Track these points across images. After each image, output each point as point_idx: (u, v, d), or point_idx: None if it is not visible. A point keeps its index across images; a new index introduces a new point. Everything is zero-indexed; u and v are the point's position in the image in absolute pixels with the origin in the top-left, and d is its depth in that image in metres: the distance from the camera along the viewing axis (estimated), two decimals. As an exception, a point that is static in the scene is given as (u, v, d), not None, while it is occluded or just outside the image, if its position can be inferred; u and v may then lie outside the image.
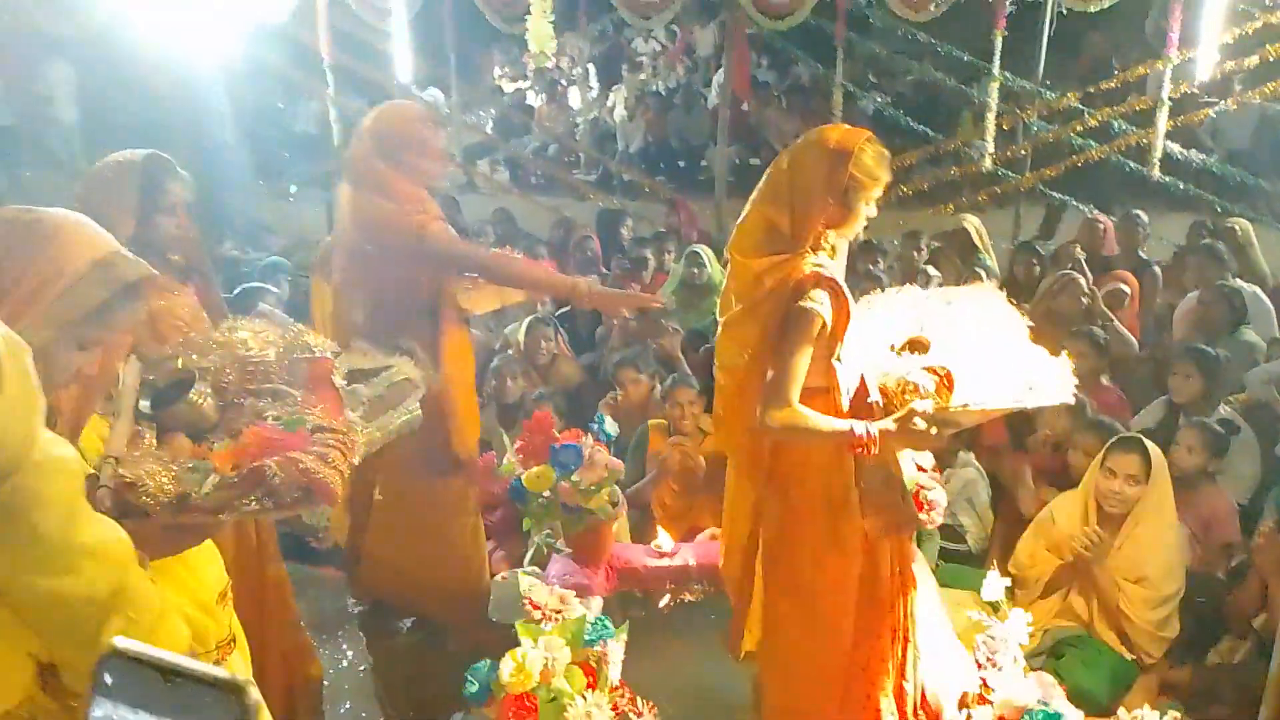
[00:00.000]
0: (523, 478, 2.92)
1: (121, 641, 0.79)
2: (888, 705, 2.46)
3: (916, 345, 2.43)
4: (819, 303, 2.21)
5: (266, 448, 1.67)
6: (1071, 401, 2.40)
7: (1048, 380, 2.33)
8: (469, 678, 2.04)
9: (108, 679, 0.76)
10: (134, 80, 7.82)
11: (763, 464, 2.36)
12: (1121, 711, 2.19)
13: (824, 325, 2.22)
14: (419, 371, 2.24)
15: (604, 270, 6.23)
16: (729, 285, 2.40)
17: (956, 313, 2.45)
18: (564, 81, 11.99)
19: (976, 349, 2.39)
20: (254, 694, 0.75)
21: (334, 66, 7.62)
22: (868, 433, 2.17)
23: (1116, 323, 5.05)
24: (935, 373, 2.30)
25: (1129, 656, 3.16)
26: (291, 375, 1.90)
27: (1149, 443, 3.21)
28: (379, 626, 3.02)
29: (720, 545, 2.70)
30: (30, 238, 1.38)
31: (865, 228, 7.06)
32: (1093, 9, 6.47)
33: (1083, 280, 5.14)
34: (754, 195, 2.34)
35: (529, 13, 6.54)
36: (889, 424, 2.21)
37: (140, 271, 1.45)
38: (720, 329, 2.44)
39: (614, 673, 2.22)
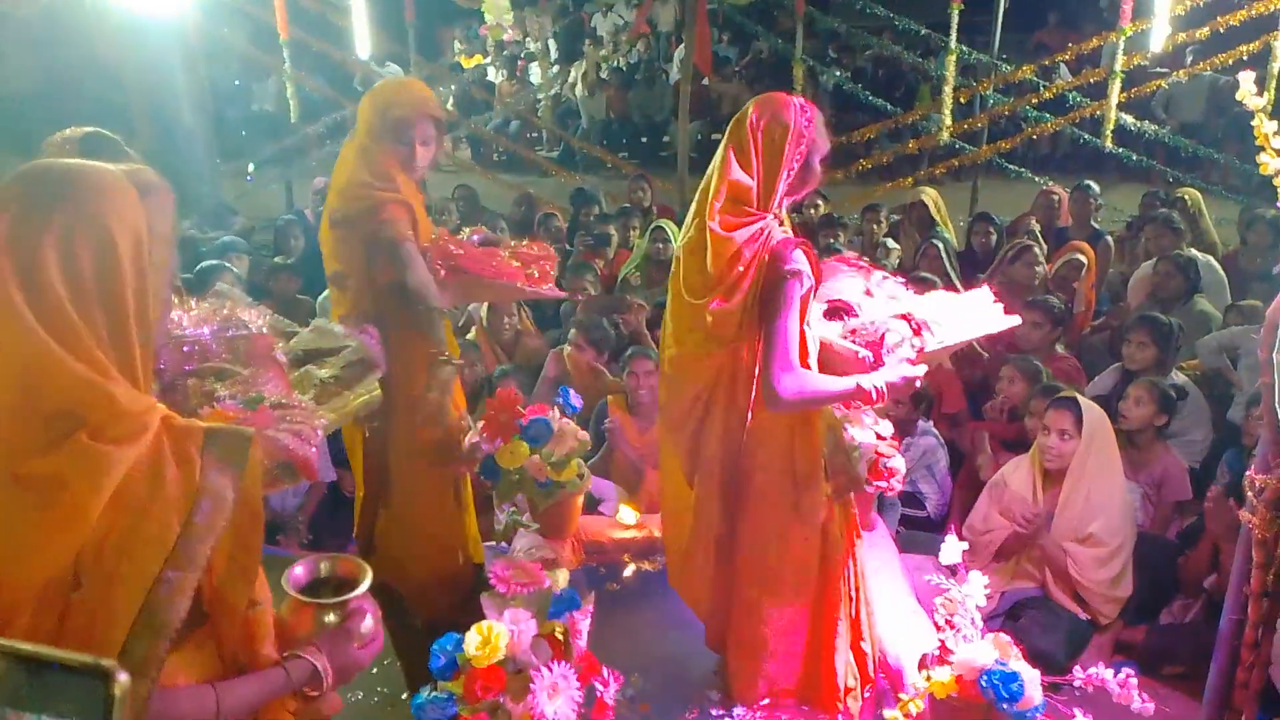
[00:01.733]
0: (496, 454, 2.92)
1: None
2: (848, 666, 2.51)
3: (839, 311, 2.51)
4: (803, 264, 2.23)
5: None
6: (1009, 325, 2.63)
7: (990, 314, 2.61)
8: (435, 652, 2.05)
9: None
10: (93, 61, 7.68)
11: (723, 465, 2.42)
12: (1077, 670, 2.25)
13: (811, 287, 2.25)
14: (374, 351, 2.23)
15: (568, 247, 6.23)
16: (679, 311, 2.39)
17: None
18: (524, 58, 11.90)
19: (925, 301, 2.56)
20: (122, 679, 0.75)
21: (291, 43, 7.51)
22: (875, 386, 2.26)
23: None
24: (907, 319, 2.37)
25: (1084, 617, 3.24)
26: (232, 353, 1.88)
27: (1083, 399, 3.30)
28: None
29: (670, 562, 2.68)
30: (92, 198, 1.23)
31: (825, 200, 7.11)
32: (1048, -20, 6.53)
33: (1036, 248, 5.23)
34: (718, 164, 2.32)
35: (487, -13, 6.47)
36: (890, 373, 2.29)
37: (155, 176, 1.37)
38: (676, 359, 2.44)
39: (581, 644, 2.24)
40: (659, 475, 2.56)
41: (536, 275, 2.95)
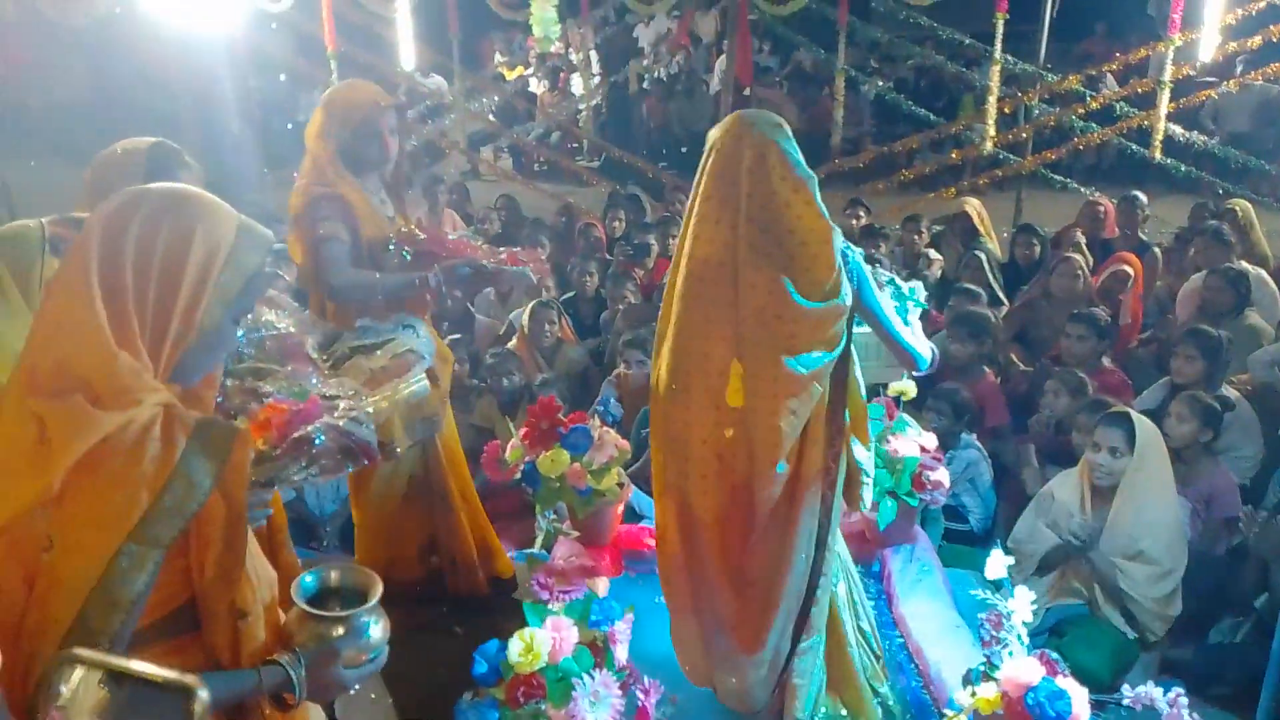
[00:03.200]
0: (537, 462, 2.94)
1: (78, 649, 0.80)
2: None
3: None
4: None
5: (294, 419, 1.70)
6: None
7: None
8: (477, 658, 2.07)
9: (63, 688, 0.77)
10: (143, 70, 7.85)
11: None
12: (1125, 688, 2.21)
13: None
14: (423, 343, 2.26)
15: (607, 256, 6.25)
16: (758, 340, 2.22)
17: None
18: (565, 69, 11.97)
19: None
20: (203, 696, 0.77)
21: (338, 55, 7.62)
22: None
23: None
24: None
25: (1131, 635, 3.18)
26: (264, 353, 1.93)
27: (1137, 416, 3.24)
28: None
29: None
30: (181, 214, 1.39)
31: (867, 211, 7.06)
32: (1095, -10, 6.45)
33: (1078, 260, 5.16)
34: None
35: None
36: None
37: (268, 236, 1.48)
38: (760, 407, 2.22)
39: (621, 653, 2.25)
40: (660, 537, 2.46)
41: (504, 256, 2.97)
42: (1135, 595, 3.15)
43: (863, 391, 2.45)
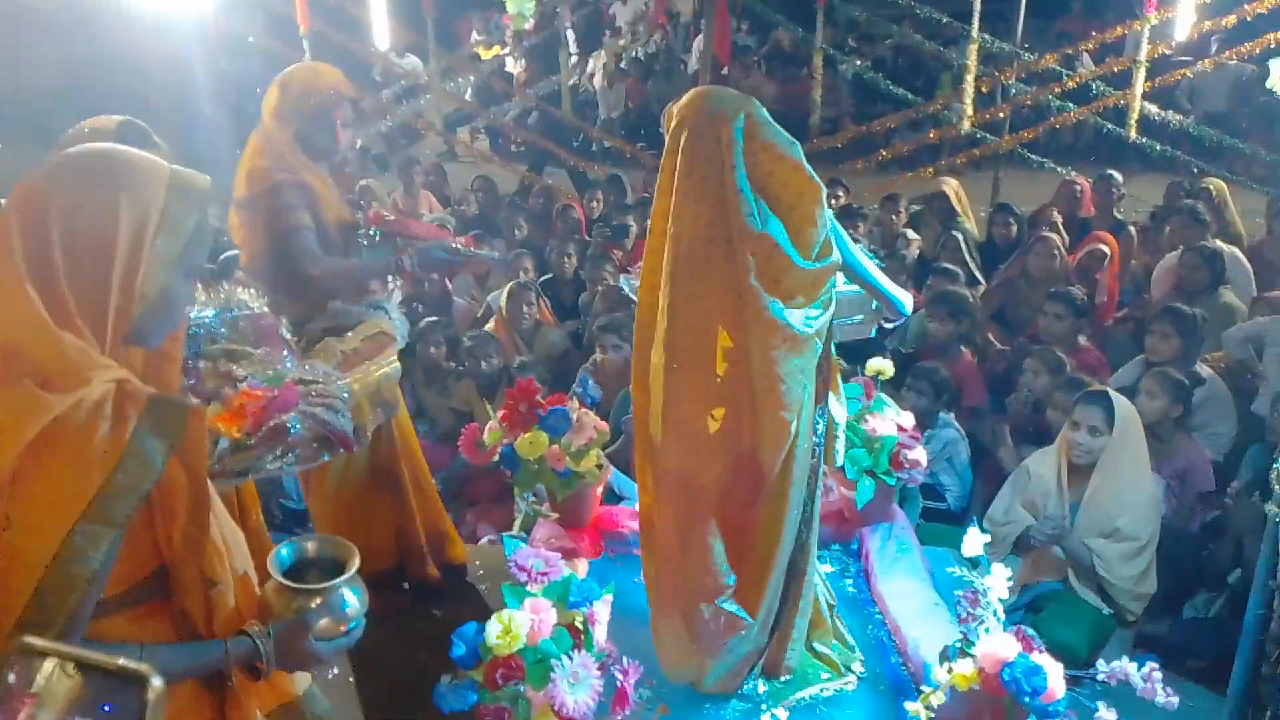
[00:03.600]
0: (515, 444, 2.93)
1: (30, 638, 0.80)
2: None
3: None
4: None
5: (269, 407, 1.68)
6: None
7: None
8: (455, 640, 2.06)
9: (11, 678, 0.77)
10: (115, 53, 7.72)
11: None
12: (1100, 663, 2.23)
13: None
14: (394, 325, 2.25)
15: (586, 237, 6.22)
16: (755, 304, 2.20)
17: None
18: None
19: None
20: (156, 684, 0.76)
21: (311, 35, 7.52)
22: None
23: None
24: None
25: (1107, 611, 3.21)
26: (236, 334, 1.90)
27: (1116, 395, 3.25)
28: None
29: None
30: (103, 181, 1.32)
31: (846, 191, 7.06)
32: (1072, -32, 6.44)
33: (1054, 239, 5.20)
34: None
35: (506, -22, 6.47)
36: None
37: (203, 184, 1.42)
38: (778, 367, 2.22)
39: (600, 634, 2.25)
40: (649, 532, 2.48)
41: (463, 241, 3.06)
42: (1110, 576, 3.17)
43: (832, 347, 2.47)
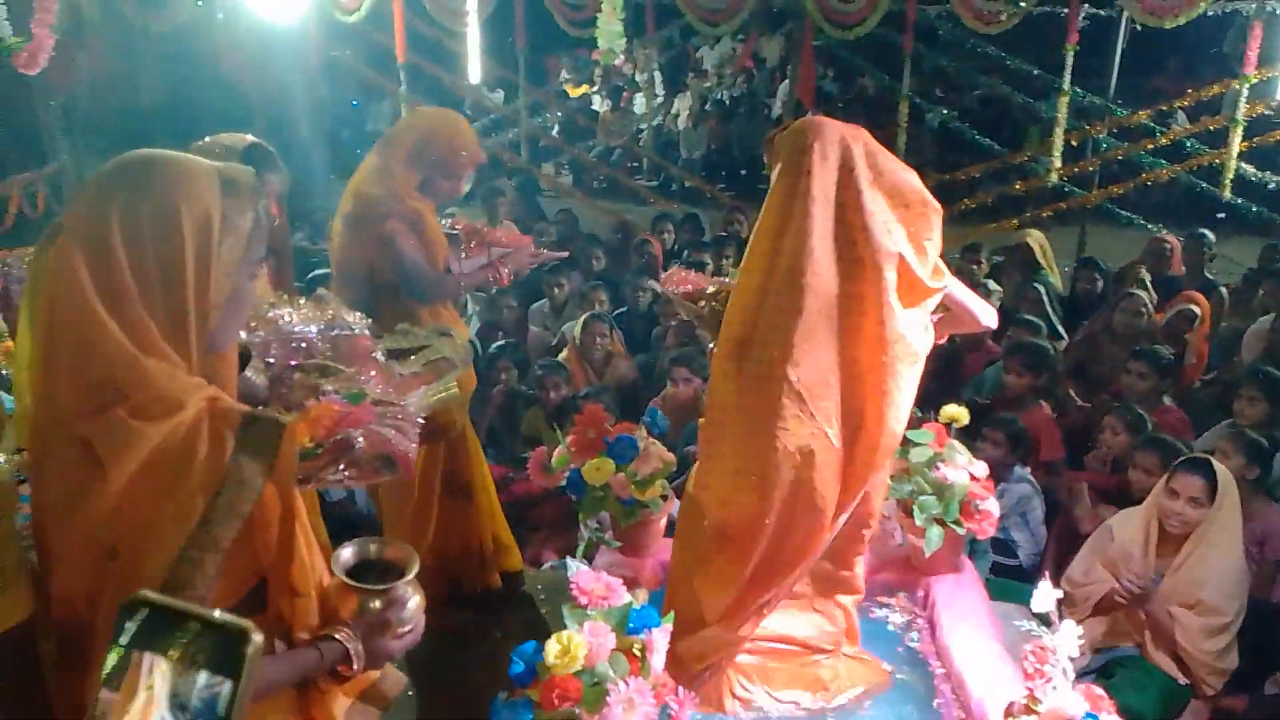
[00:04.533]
0: (582, 470, 2.95)
1: (141, 592, 0.83)
2: None
3: None
4: None
5: (341, 420, 1.72)
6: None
7: None
8: (514, 658, 2.07)
9: (128, 626, 0.80)
10: (219, 76, 8.07)
11: None
12: (1173, 733, 2.15)
13: None
14: (458, 351, 2.30)
15: (662, 274, 6.25)
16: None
17: None
18: (628, 88, 12.08)
19: None
20: (256, 638, 0.78)
21: (407, 66, 7.77)
22: None
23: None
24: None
25: (1183, 681, 3.09)
26: (335, 351, 1.96)
27: (1218, 465, 3.13)
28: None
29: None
30: (159, 195, 1.28)
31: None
32: (1168, 25, 6.35)
33: (1142, 296, 5.06)
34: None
35: (598, 15, 6.62)
36: None
37: (250, 177, 1.40)
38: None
39: (657, 662, 2.24)
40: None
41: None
42: (1190, 647, 3.05)
43: None
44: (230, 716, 0.75)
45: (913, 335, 2.25)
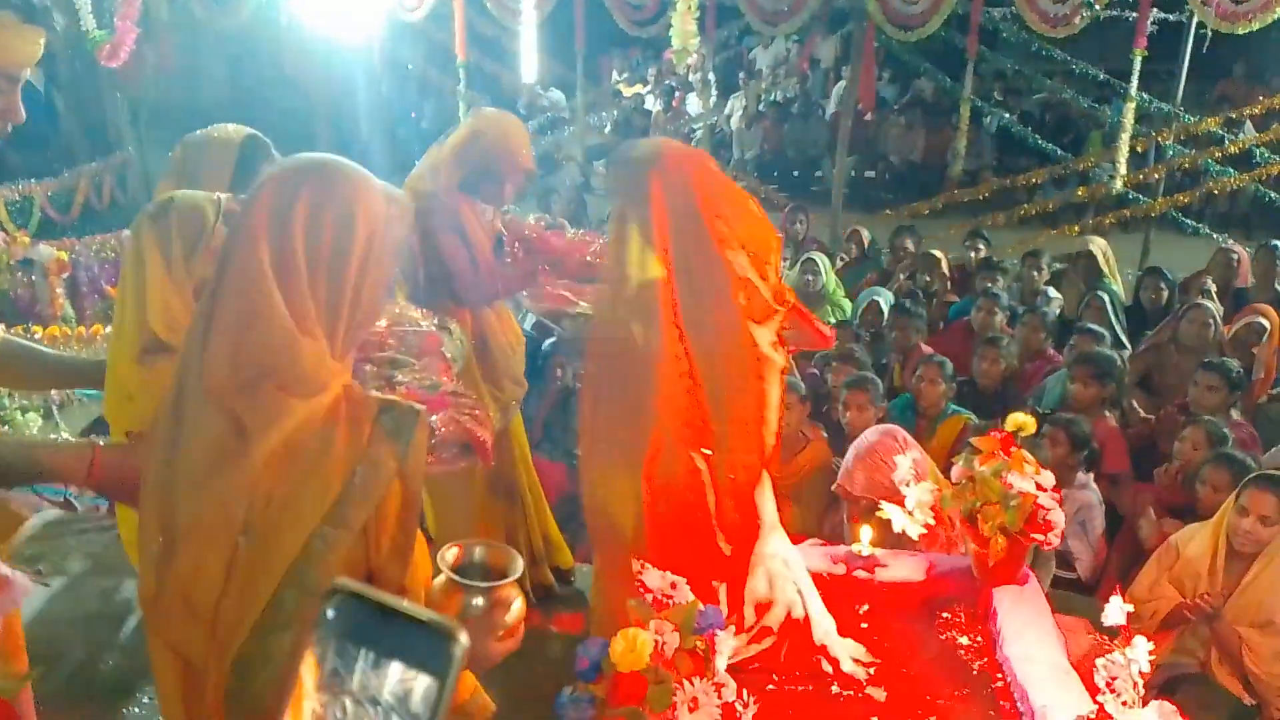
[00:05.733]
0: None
1: (343, 580, 0.85)
2: None
3: None
4: None
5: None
6: None
7: None
8: (580, 652, 2.08)
9: (330, 613, 0.81)
10: (280, 73, 8.21)
11: None
12: (1242, 754, 2.10)
13: None
14: (452, 346, 2.33)
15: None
16: None
17: None
18: (680, 88, 12.07)
19: None
20: (463, 639, 0.79)
21: (467, 65, 7.83)
22: None
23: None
24: None
25: (1249, 701, 3.02)
26: (404, 346, 2.00)
27: None
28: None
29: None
30: (347, 190, 1.36)
31: (987, 244, 6.92)
32: (1240, 30, 6.21)
33: (1209, 306, 4.95)
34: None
35: (659, 16, 6.62)
36: None
37: (404, 197, 1.51)
38: None
39: (721, 663, 2.23)
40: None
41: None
42: (1257, 669, 2.99)
43: None
44: (437, 716, 0.75)
45: (764, 351, 2.37)
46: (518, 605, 1.49)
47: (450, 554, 1.50)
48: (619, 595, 2.41)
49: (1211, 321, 4.93)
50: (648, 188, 2.28)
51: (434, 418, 1.83)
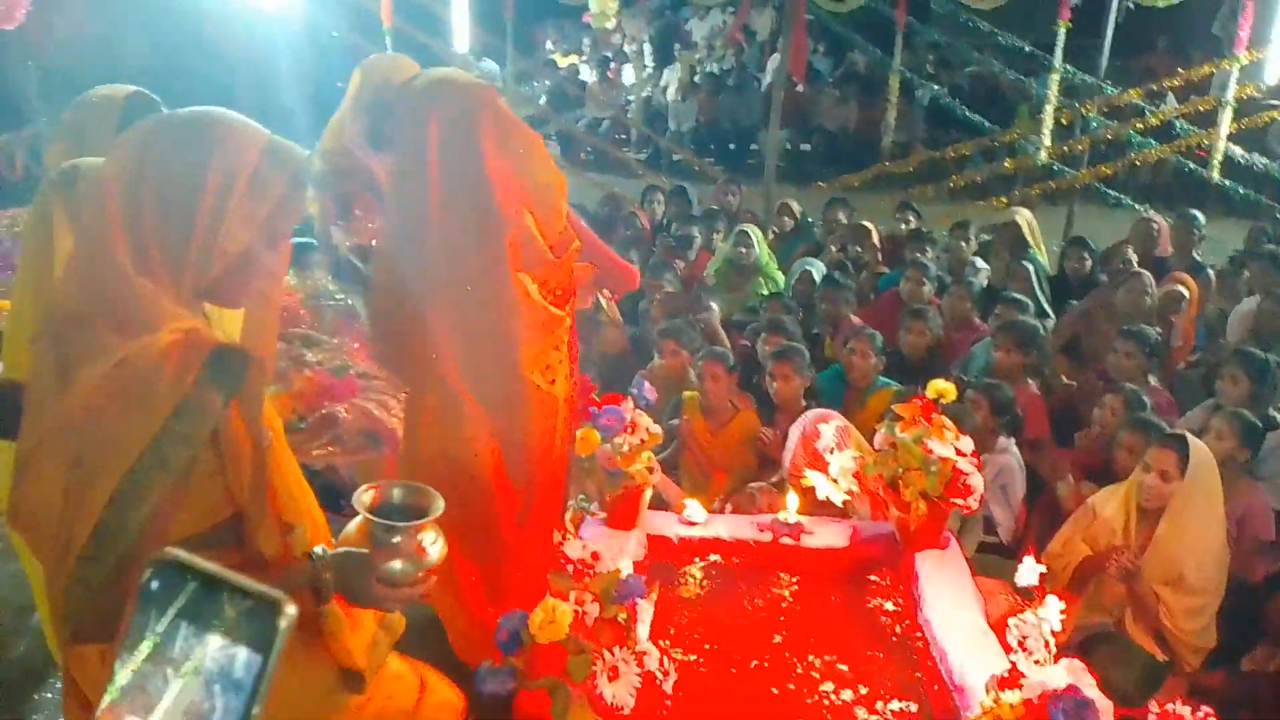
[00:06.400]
0: (569, 442, 2.94)
1: (171, 550, 0.82)
2: None
3: None
4: None
5: (325, 394, 1.70)
6: None
7: None
8: (500, 625, 2.06)
9: (153, 585, 0.78)
10: (201, 41, 7.96)
11: None
12: (1152, 706, 2.16)
13: None
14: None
15: (651, 247, 6.24)
16: None
17: None
18: (616, 59, 11.98)
19: None
20: (290, 610, 0.77)
21: (393, 32, 7.67)
22: None
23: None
24: None
25: (1161, 656, 3.12)
26: (319, 322, 1.94)
27: (1194, 440, 3.16)
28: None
29: None
30: (199, 139, 1.37)
31: (917, 215, 7.00)
32: (1161, 4, 6.34)
33: (1147, 276, 5.04)
34: None
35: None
36: None
37: (299, 156, 1.46)
38: None
39: (642, 632, 2.24)
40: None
41: None
42: (1172, 626, 3.09)
43: None
44: (259, 690, 0.72)
45: (534, 299, 2.31)
46: (439, 545, 1.47)
47: (367, 495, 1.47)
48: None
49: (1150, 291, 5.02)
50: (427, 121, 2.19)
51: (338, 406, 1.78)
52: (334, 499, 4.02)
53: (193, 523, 1.36)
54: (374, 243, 2.83)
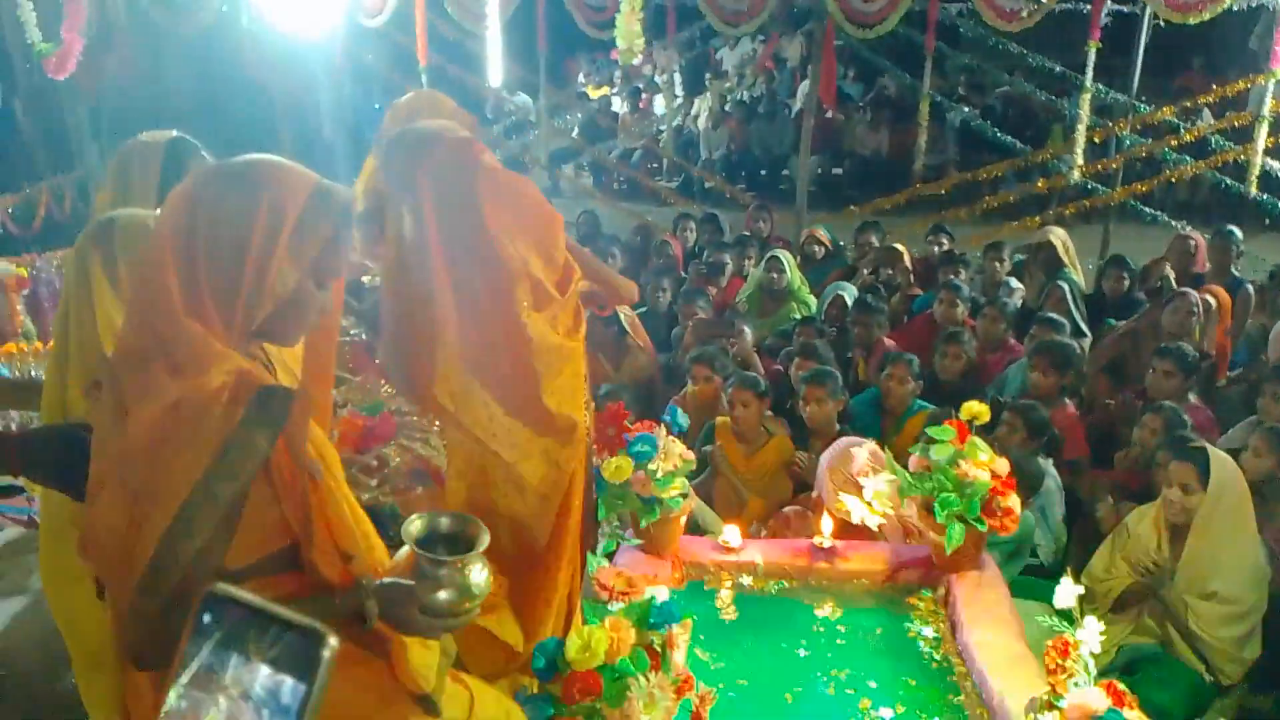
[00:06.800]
0: (601, 468, 2.96)
1: (221, 586, 0.87)
2: None
3: None
4: None
5: (368, 436, 1.73)
6: None
7: None
8: (536, 653, 2.09)
9: (205, 618, 0.82)
10: (243, 78, 8.16)
11: None
12: (1196, 728, 2.14)
13: None
14: None
15: (683, 274, 6.28)
16: None
17: None
18: (647, 89, 12.10)
19: None
20: (332, 642, 0.81)
21: (429, 69, 7.81)
22: None
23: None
24: None
25: (1208, 678, 3.07)
26: (340, 359, 1.96)
27: (1214, 451, 3.13)
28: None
29: None
30: (247, 183, 1.43)
31: (950, 238, 6.96)
32: (1191, 21, 6.30)
33: (1194, 295, 4.96)
34: None
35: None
36: None
37: (348, 196, 1.50)
38: None
39: (678, 659, 2.25)
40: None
41: None
42: (1206, 636, 3.04)
43: None
44: (305, 713, 0.77)
45: (548, 338, 2.25)
46: (485, 576, 1.49)
47: (414, 526, 1.50)
48: None
49: (1196, 310, 4.92)
50: (416, 179, 2.18)
51: (387, 449, 1.81)
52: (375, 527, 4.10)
53: (256, 548, 1.42)
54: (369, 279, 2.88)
